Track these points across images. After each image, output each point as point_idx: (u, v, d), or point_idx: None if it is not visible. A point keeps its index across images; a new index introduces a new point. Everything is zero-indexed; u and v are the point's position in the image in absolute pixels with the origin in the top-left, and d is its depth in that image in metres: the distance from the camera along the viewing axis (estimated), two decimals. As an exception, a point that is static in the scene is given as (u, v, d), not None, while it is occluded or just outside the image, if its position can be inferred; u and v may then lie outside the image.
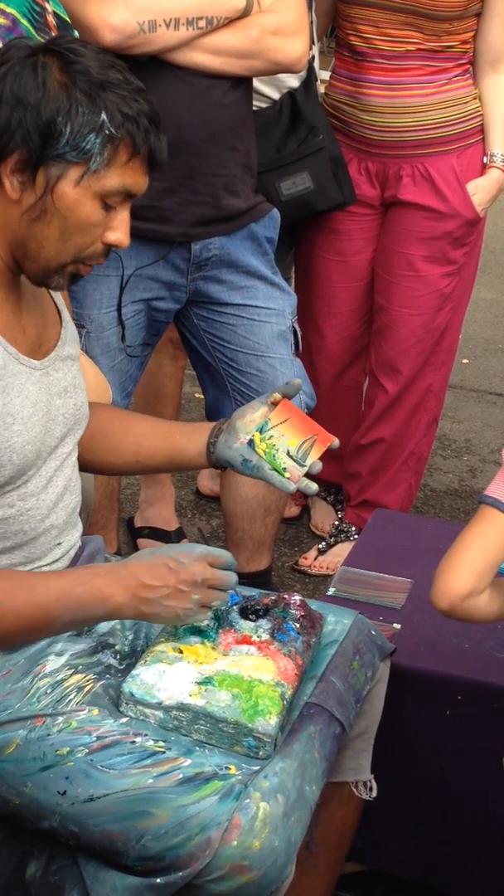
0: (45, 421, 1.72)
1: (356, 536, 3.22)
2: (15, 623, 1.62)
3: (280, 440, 1.85)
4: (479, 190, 3.02)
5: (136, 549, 3.31)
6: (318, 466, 1.86)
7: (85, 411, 1.85)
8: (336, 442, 1.88)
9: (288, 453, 1.85)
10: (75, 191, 1.60)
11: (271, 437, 1.85)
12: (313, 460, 1.85)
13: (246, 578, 2.81)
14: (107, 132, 1.58)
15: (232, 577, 1.68)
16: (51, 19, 2.03)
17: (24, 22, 1.97)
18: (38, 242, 1.63)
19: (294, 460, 1.85)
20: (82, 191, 1.60)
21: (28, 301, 1.73)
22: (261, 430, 1.85)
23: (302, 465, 1.85)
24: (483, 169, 3.04)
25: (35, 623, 1.63)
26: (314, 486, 1.87)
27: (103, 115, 1.58)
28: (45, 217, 1.61)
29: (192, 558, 1.65)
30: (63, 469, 1.80)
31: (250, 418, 1.88)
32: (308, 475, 1.86)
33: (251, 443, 1.86)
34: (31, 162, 1.58)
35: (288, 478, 1.84)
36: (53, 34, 2.02)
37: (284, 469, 1.84)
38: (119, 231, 1.66)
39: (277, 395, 1.87)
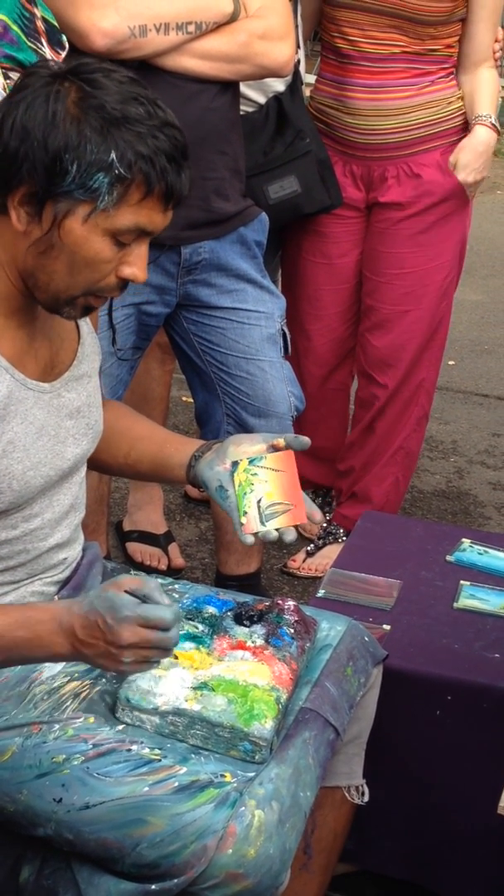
0: (52, 445, 1.69)
1: (344, 538, 3.23)
2: None
3: (261, 484, 1.73)
4: (462, 149, 2.95)
5: (125, 553, 3.32)
6: (291, 536, 1.71)
7: (98, 429, 1.81)
8: (315, 519, 1.74)
9: (259, 501, 1.72)
10: (83, 228, 1.54)
11: (256, 474, 1.74)
12: (277, 526, 1.71)
13: (235, 581, 2.83)
14: (116, 172, 1.51)
15: (170, 638, 1.47)
16: (40, 25, 2.03)
17: (15, 28, 1.97)
18: (48, 275, 1.58)
19: (259, 512, 1.72)
20: (91, 228, 1.54)
21: (44, 322, 1.69)
22: (251, 461, 1.76)
23: (262, 524, 1.71)
24: None
25: None
26: (273, 534, 1.72)
27: (112, 155, 1.51)
28: (53, 251, 1.56)
29: (118, 621, 1.46)
30: (70, 487, 1.77)
31: (245, 448, 1.79)
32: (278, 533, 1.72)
33: (235, 465, 1.76)
34: (37, 196, 1.53)
35: (243, 524, 1.71)
36: (43, 40, 2.02)
37: (245, 513, 1.72)
38: (135, 266, 1.60)
39: (282, 442, 1.78)
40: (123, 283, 1.62)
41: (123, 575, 1.55)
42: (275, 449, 1.77)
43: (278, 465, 1.74)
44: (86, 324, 1.81)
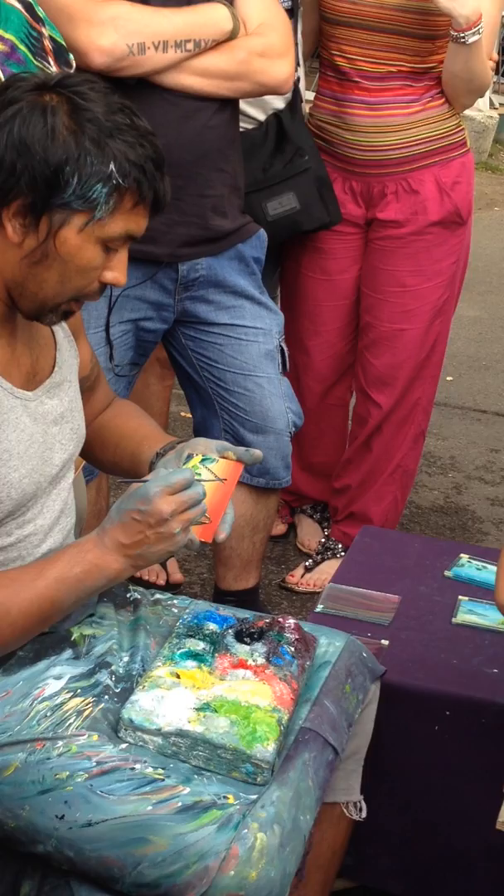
0: (41, 451, 1.72)
1: (342, 553, 3.23)
2: (27, 622, 1.65)
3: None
4: None
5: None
6: (195, 545, 1.73)
7: (82, 433, 1.84)
8: (219, 539, 1.76)
9: None
10: (78, 237, 1.59)
11: (200, 474, 1.77)
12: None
13: (234, 596, 2.82)
14: (114, 182, 1.57)
15: (198, 492, 1.63)
16: (47, 44, 2.04)
17: (22, 47, 1.98)
18: (37, 284, 1.62)
19: None
20: (85, 237, 1.60)
21: (23, 331, 1.72)
22: (203, 460, 1.80)
23: None
24: (468, 176, 3.05)
25: (44, 614, 1.66)
26: (197, 543, 1.73)
27: (112, 166, 1.56)
28: (46, 261, 1.60)
29: (150, 501, 1.60)
30: (60, 492, 1.80)
31: (200, 451, 1.83)
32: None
33: (190, 457, 1.80)
34: (35, 208, 1.57)
35: None
36: (50, 59, 2.03)
37: None
38: (116, 270, 1.65)
39: (232, 455, 1.83)
40: (103, 287, 1.68)
41: (133, 484, 1.67)
42: (225, 459, 1.82)
43: (223, 474, 1.80)
44: (61, 329, 1.83)
